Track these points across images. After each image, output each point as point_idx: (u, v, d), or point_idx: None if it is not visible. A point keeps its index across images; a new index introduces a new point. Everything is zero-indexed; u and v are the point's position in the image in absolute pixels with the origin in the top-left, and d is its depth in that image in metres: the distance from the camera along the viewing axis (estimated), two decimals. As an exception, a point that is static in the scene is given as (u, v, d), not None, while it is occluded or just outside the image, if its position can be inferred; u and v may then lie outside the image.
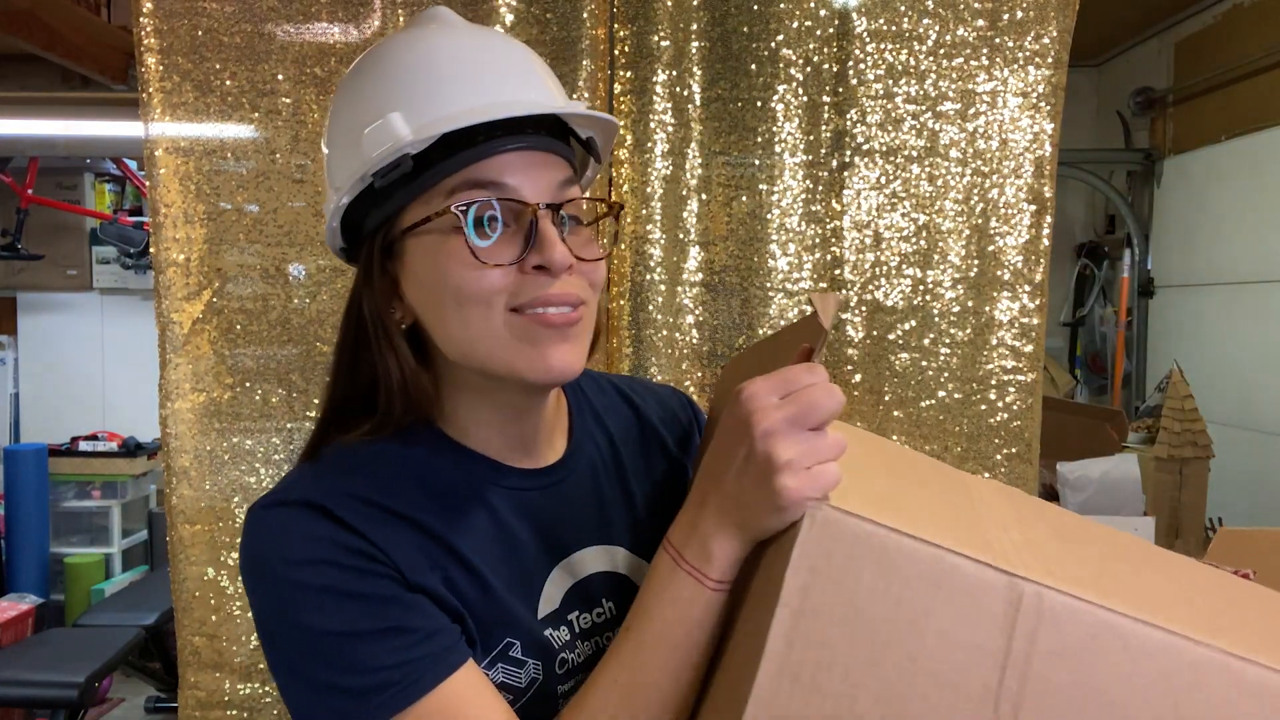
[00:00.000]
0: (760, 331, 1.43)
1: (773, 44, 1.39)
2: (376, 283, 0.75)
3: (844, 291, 1.42)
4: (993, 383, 1.42)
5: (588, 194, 0.77)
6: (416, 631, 0.67)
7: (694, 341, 1.43)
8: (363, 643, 0.65)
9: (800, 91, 1.40)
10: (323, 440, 0.78)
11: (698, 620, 0.62)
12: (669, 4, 1.39)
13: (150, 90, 1.37)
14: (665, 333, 1.43)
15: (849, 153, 1.40)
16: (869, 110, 1.39)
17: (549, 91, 0.73)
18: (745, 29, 1.39)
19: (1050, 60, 1.38)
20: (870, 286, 1.41)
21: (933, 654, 0.53)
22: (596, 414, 0.86)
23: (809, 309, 0.70)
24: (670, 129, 1.40)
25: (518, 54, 0.75)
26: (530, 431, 0.77)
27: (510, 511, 0.75)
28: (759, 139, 1.40)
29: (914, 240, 1.40)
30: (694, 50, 1.40)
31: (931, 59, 1.39)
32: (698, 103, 1.40)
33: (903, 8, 1.38)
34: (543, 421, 0.78)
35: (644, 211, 1.41)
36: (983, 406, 1.42)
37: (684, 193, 1.41)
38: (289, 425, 1.42)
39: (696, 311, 1.43)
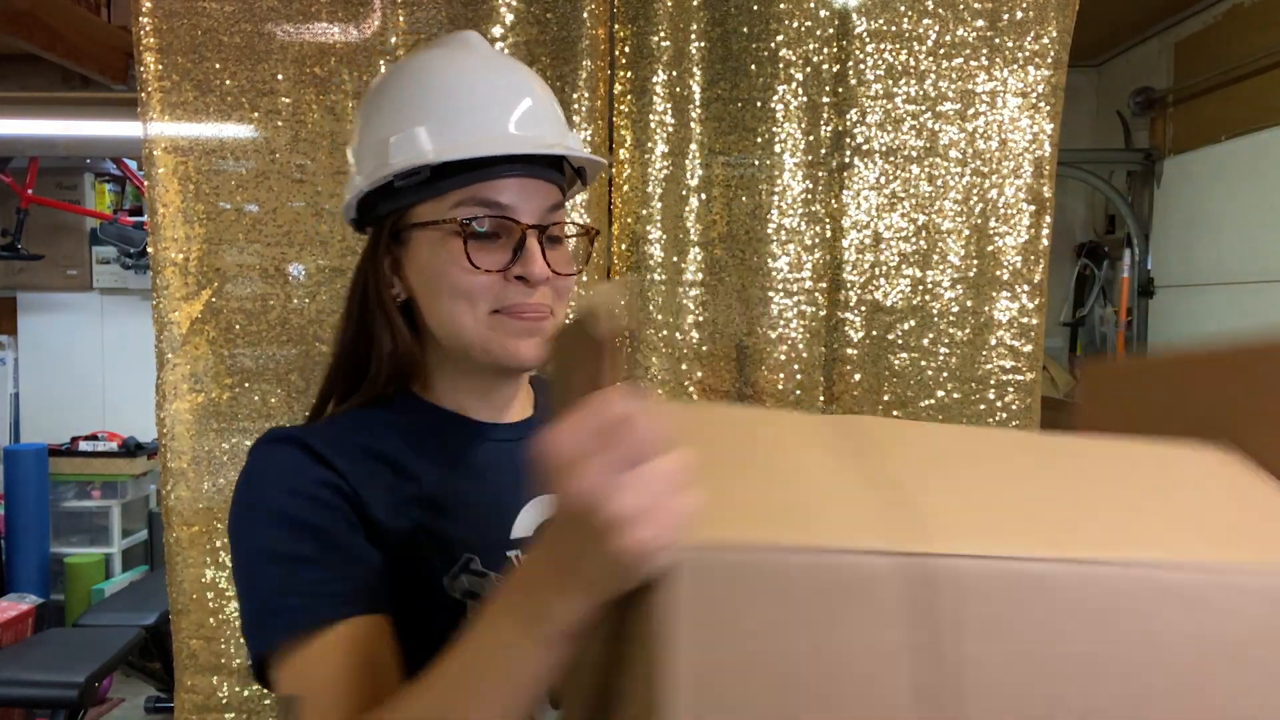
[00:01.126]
0: (760, 332, 1.43)
1: (773, 44, 1.39)
2: (382, 260, 0.87)
3: (844, 292, 1.42)
4: (992, 383, 1.41)
5: (572, 214, 0.84)
6: (334, 569, 0.72)
7: (694, 341, 1.43)
8: (278, 565, 0.72)
9: (800, 92, 1.40)
10: (319, 414, 0.90)
11: (530, 678, 0.55)
12: (669, 4, 1.39)
13: (149, 90, 1.37)
14: (665, 333, 1.42)
15: (849, 153, 1.40)
16: (869, 110, 1.39)
17: (554, 127, 0.86)
18: (745, 29, 1.39)
19: (1050, 60, 1.38)
20: (870, 286, 1.41)
21: (849, 676, 0.46)
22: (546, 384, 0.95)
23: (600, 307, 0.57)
24: (670, 129, 1.40)
25: (533, 89, 0.87)
26: (503, 399, 0.89)
27: (485, 456, 0.86)
28: (759, 139, 1.40)
29: (914, 240, 1.40)
30: (694, 50, 1.40)
31: (931, 59, 1.39)
32: (698, 103, 1.40)
33: (903, 8, 1.38)
34: (514, 390, 0.90)
35: (644, 211, 1.41)
36: (982, 406, 1.41)
37: (684, 193, 1.41)
38: (288, 425, 1.42)
39: (696, 311, 1.42)
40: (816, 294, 1.43)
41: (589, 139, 1.40)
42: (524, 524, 0.84)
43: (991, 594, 0.47)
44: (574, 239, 0.88)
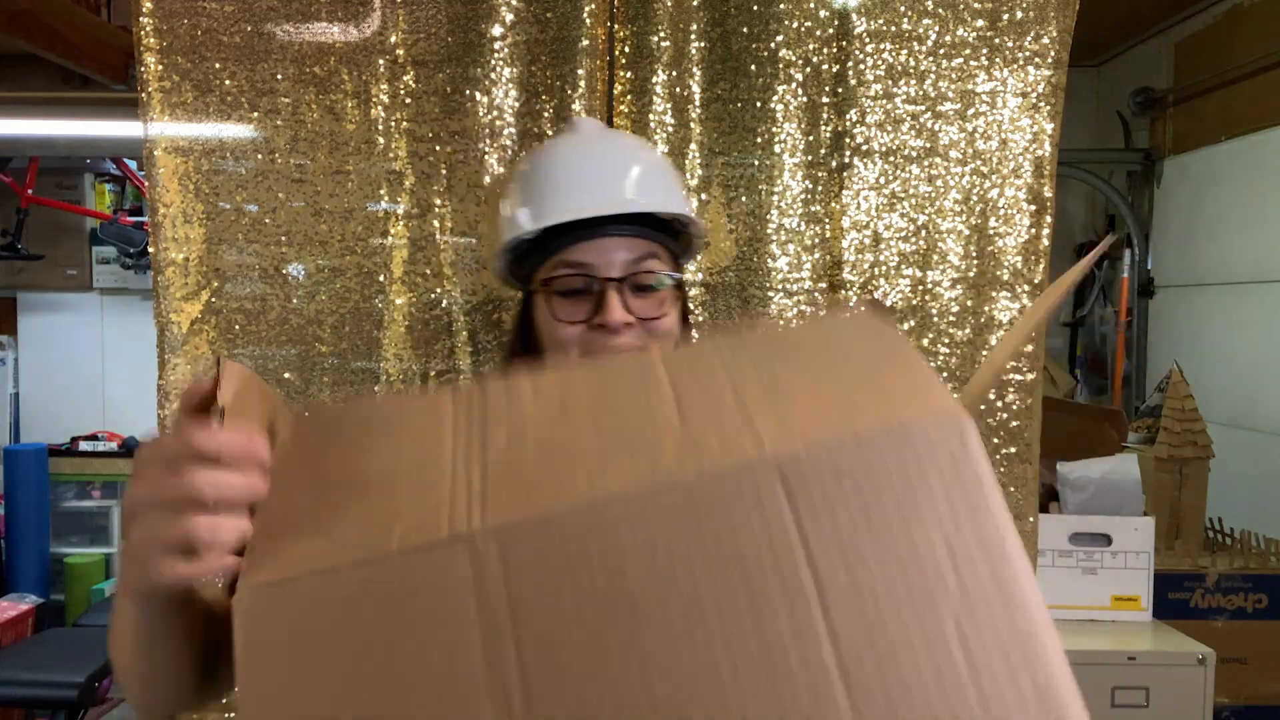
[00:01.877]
0: (760, 332, 1.43)
1: (773, 44, 1.39)
2: (519, 322, 1.06)
3: (843, 292, 1.42)
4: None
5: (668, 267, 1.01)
6: None
7: (694, 341, 1.43)
8: None
9: (800, 92, 1.40)
10: None
11: (132, 641, 0.64)
12: (669, 4, 1.39)
13: (150, 90, 1.37)
14: (665, 333, 1.43)
15: (848, 153, 1.40)
16: (869, 111, 1.39)
17: (640, 189, 0.99)
18: (745, 29, 1.39)
19: (1050, 60, 1.38)
20: (869, 286, 1.41)
21: (425, 674, 0.47)
22: None
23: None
24: (670, 129, 1.40)
25: (624, 158, 1.03)
26: None
27: None
28: (759, 139, 1.40)
29: (913, 240, 1.40)
30: (694, 50, 1.40)
31: (931, 59, 1.39)
32: (698, 103, 1.40)
33: (903, 8, 1.38)
34: None
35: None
36: (982, 406, 1.41)
37: (684, 193, 1.41)
38: (288, 425, 1.42)
39: (696, 311, 1.43)
40: (816, 294, 1.43)
41: (589, 139, 1.41)
42: None
43: (533, 555, 0.47)
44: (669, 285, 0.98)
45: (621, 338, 0.94)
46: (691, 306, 1.43)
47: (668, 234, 1.01)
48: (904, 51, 1.39)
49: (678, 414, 0.53)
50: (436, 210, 1.41)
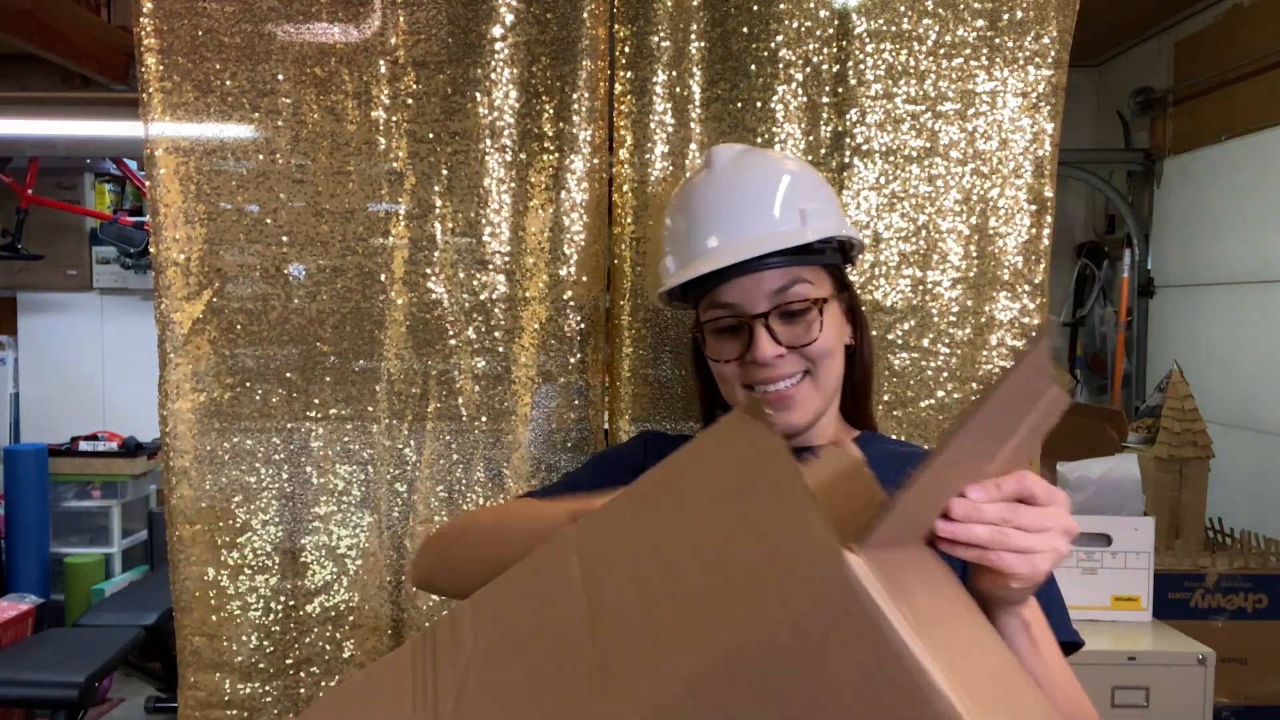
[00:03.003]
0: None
1: (773, 44, 1.39)
2: (696, 337, 1.11)
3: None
4: (993, 383, 1.41)
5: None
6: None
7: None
8: (559, 483, 1.15)
9: (800, 92, 1.40)
10: (702, 409, 1.23)
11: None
12: (669, 4, 1.39)
13: (150, 90, 1.37)
14: (665, 332, 1.43)
15: (848, 153, 1.40)
16: (869, 110, 1.39)
17: (775, 221, 1.01)
18: (745, 29, 1.39)
19: (1050, 60, 1.38)
20: (869, 286, 1.41)
21: None
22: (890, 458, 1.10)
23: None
24: (670, 129, 1.40)
25: (756, 190, 1.04)
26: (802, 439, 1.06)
27: None
28: (759, 139, 1.40)
29: (913, 240, 1.40)
30: (694, 50, 1.40)
31: (931, 59, 1.39)
32: (698, 103, 1.40)
33: (903, 8, 1.38)
34: (810, 435, 1.06)
35: (644, 212, 1.41)
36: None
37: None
38: (289, 425, 1.42)
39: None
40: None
41: (589, 139, 1.41)
42: None
43: None
44: (818, 305, 1.01)
45: (776, 369, 1.00)
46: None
47: (814, 250, 1.02)
48: (904, 51, 1.39)
49: (590, 637, 0.55)
50: (437, 210, 1.41)
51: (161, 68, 1.38)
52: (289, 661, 1.43)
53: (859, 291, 1.42)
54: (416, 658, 0.64)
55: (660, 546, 0.57)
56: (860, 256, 1.28)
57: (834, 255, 1.06)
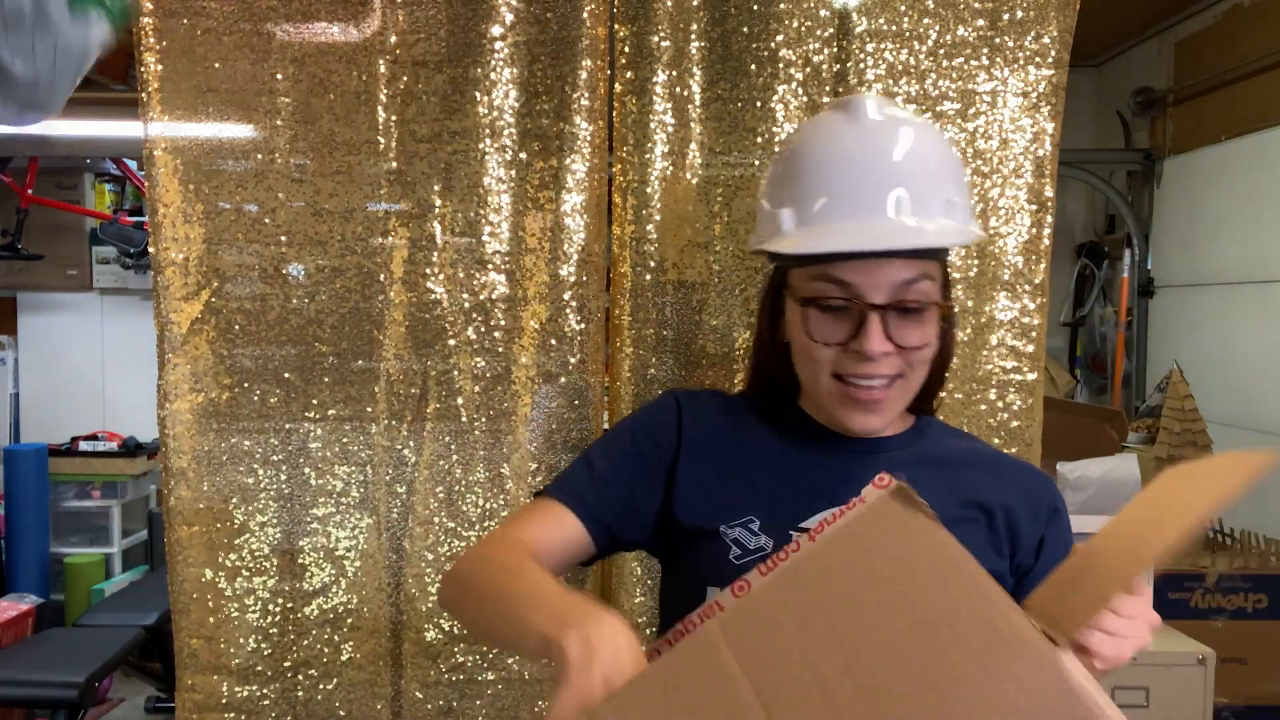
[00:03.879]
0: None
1: (773, 44, 1.39)
2: (769, 302, 1.03)
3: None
4: (993, 383, 1.41)
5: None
6: (597, 479, 1.01)
7: (695, 342, 1.43)
8: (586, 457, 1.05)
9: (800, 92, 1.40)
10: (750, 378, 1.13)
11: (517, 646, 0.98)
12: (669, 4, 1.39)
13: (150, 90, 1.37)
14: (666, 332, 1.42)
15: (849, 153, 1.40)
16: (869, 110, 1.39)
17: (925, 208, 0.89)
18: (745, 29, 1.39)
19: (1050, 60, 1.38)
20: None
21: None
22: (980, 450, 1.08)
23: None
24: (670, 129, 1.40)
25: (906, 166, 0.90)
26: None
27: (830, 458, 0.99)
28: (759, 139, 1.40)
29: (914, 240, 1.40)
30: (694, 50, 1.40)
31: (931, 59, 1.39)
32: (698, 103, 1.40)
33: (903, 8, 1.38)
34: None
35: (644, 211, 1.41)
36: (983, 406, 1.41)
37: (684, 193, 1.41)
38: (287, 426, 1.42)
39: (697, 311, 1.42)
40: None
41: (589, 139, 1.40)
42: (816, 520, 0.94)
43: None
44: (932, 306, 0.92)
45: (879, 366, 0.90)
46: (696, 306, 1.43)
47: (942, 249, 0.94)
48: (904, 51, 1.39)
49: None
50: (436, 210, 1.41)
51: (161, 67, 1.37)
52: (287, 664, 1.43)
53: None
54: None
55: (834, 641, 0.58)
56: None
57: (944, 251, 0.97)
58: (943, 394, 1.38)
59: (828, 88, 1.40)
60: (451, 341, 1.42)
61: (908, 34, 1.38)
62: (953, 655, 0.54)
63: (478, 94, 1.39)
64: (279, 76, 1.39)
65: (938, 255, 0.93)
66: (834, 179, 0.90)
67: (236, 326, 1.41)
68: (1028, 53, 1.38)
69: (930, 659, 0.54)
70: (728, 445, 1.02)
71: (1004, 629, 0.54)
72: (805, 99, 1.40)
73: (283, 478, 1.42)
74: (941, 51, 1.39)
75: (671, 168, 1.40)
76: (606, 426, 1.47)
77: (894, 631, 0.57)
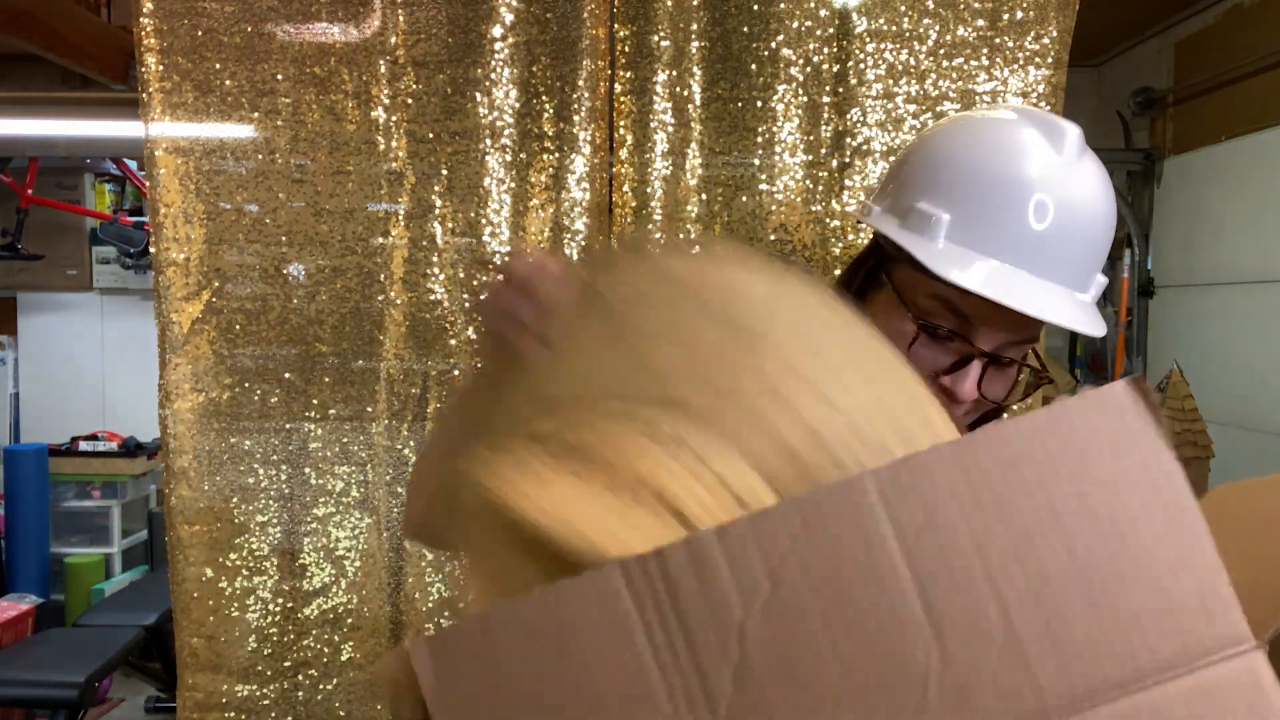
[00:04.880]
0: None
1: (773, 44, 1.39)
2: (854, 289, 0.89)
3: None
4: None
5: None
6: None
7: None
8: None
9: (800, 91, 1.40)
10: None
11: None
12: (669, 4, 1.39)
13: (150, 90, 1.37)
14: (665, 333, 1.43)
15: (849, 153, 1.40)
16: (869, 110, 1.39)
17: (1089, 279, 0.82)
18: (745, 29, 1.39)
19: (1050, 60, 1.38)
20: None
21: (606, 698, 0.44)
22: None
23: None
24: (670, 129, 1.40)
25: (1091, 233, 0.81)
26: None
27: None
28: (759, 139, 1.40)
29: (914, 240, 1.40)
30: (694, 50, 1.40)
31: (931, 59, 1.39)
32: (698, 103, 1.40)
33: (903, 8, 1.38)
34: None
35: (644, 211, 1.41)
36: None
37: (684, 193, 1.41)
38: (288, 425, 1.42)
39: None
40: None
41: (589, 139, 1.40)
42: None
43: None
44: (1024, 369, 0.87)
45: (955, 409, 0.82)
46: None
47: None
48: (904, 51, 1.39)
49: (935, 644, 0.45)
50: (437, 210, 1.41)
51: (161, 68, 1.37)
52: (287, 663, 1.43)
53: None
54: (640, 607, 0.48)
55: (1021, 554, 0.48)
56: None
57: None
58: None
59: (828, 87, 1.40)
60: (451, 342, 1.42)
61: (908, 34, 1.38)
62: (1156, 614, 0.46)
63: (478, 94, 1.39)
64: (279, 76, 1.39)
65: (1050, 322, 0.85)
66: (1016, 213, 0.79)
67: (237, 326, 1.41)
68: (1028, 53, 1.38)
69: (1128, 608, 0.46)
70: None
71: (1213, 597, 0.46)
72: (805, 99, 1.40)
73: (283, 477, 1.42)
74: (941, 51, 1.39)
75: (671, 168, 1.40)
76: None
77: (1089, 560, 0.47)
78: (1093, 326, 0.83)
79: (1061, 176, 0.79)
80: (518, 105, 1.40)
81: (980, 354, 0.81)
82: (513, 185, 1.41)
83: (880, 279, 0.87)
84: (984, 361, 0.82)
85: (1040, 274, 0.79)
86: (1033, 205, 0.78)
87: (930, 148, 0.85)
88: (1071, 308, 0.80)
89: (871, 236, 0.90)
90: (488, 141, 1.40)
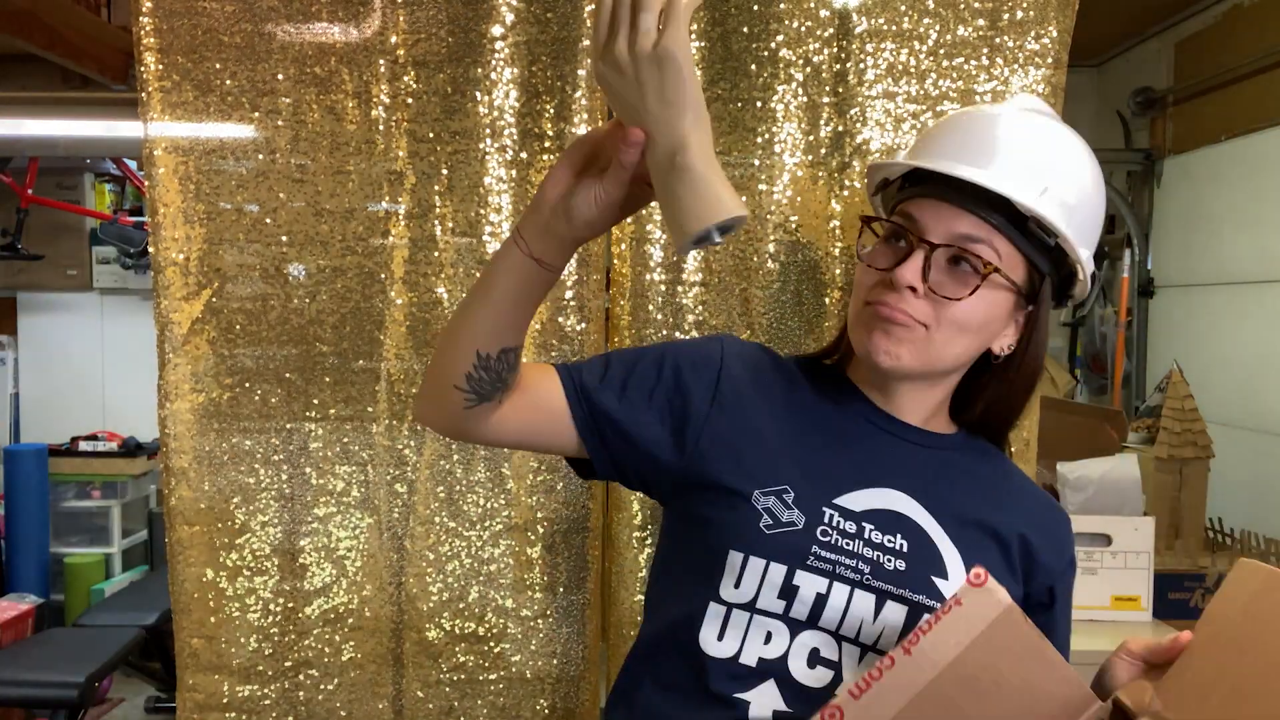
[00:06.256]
0: (757, 331, 1.42)
1: (773, 44, 1.39)
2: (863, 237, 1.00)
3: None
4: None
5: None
6: (621, 391, 0.97)
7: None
8: (620, 357, 1.01)
9: (800, 92, 1.40)
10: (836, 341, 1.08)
11: (507, 275, 0.85)
12: (669, 4, 1.38)
13: (150, 90, 1.37)
14: (665, 333, 1.43)
15: (849, 153, 1.40)
16: (869, 110, 1.39)
17: (1013, 172, 0.91)
18: (745, 29, 1.39)
19: (1050, 60, 1.38)
20: None
21: None
22: (1008, 477, 1.07)
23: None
24: (670, 129, 1.40)
25: (1025, 139, 0.94)
26: (906, 401, 1.00)
27: (868, 436, 0.99)
28: (759, 139, 1.40)
29: (914, 240, 1.40)
30: (694, 50, 1.40)
31: (932, 59, 1.39)
32: (698, 103, 1.40)
33: (903, 8, 1.38)
34: (916, 395, 0.99)
35: (644, 211, 1.41)
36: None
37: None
38: (288, 426, 1.42)
39: (697, 311, 1.43)
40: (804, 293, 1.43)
41: (589, 139, 1.40)
42: (857, 500, 0.94)
43: None
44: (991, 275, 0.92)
45: (902, 303, 0.90)
46: (691, 306, 1.43)
47: (1029, 235, 0.92)
48: (904, 51, 1.39)
49: None
50: (437, 210, 1.41)
51: (161, 67, 1.37)
52: (288, 664, 1.43)
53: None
54: None
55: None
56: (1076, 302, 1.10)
57: (1048, 263, 0.95)
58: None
59: (828, 87, 1.40)
60: (452, 341, 1.42)
61: (908, 34, 1.38)
62: None
63: (478, 94, 1.39)
64: (279, 76, 1.39)
65: (1019, 242, 0.92)
66: (949, 129, 0.98)
67: (237, 326, 1.41)
68: (1028, 53, 1.38)
69: None
70: (770, 405, 0.98)
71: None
72: (805, 99, 1.40)
73: (284, 477, 1.42)
74: (941, 51, 1.39)
75: (672, 168, 1.40)
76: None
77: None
78: (1009, 187, 0.90)
79: (1001, 113, 0.98)
80: (518, 105, 1.40)
81: (921, 242, 0.91)
82: (513, 185, 1.41)
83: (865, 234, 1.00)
84: (925, 250, 0.90)
85: (970, 162, 0.91)
86: (969, 121, 0.98)
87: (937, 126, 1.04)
88: (987, 177, 0.90)
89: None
90: (488, 141, 1.40)
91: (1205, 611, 0.77)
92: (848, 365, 1.04)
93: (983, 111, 1.00)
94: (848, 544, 0.91)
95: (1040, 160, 0.93)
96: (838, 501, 0.93)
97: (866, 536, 0.92)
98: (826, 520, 0.91)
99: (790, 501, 0.91)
